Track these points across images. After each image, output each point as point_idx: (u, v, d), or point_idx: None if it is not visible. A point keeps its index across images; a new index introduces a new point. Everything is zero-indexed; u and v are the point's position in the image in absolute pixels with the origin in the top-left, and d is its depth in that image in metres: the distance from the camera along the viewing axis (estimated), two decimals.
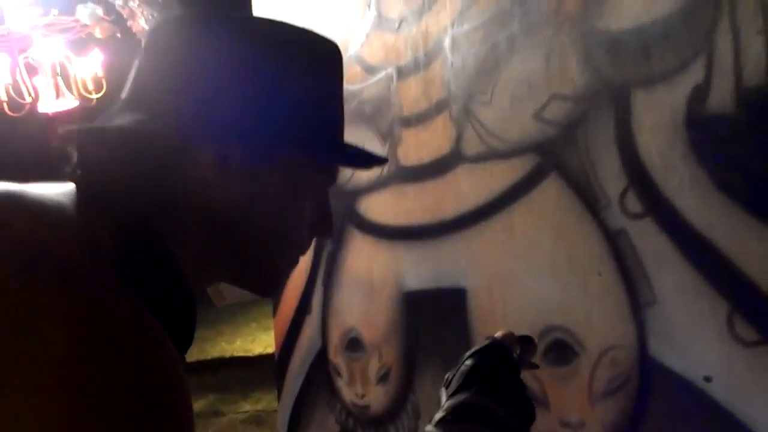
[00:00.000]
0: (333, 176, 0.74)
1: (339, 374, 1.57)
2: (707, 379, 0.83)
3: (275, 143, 0.66)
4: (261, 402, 4.80)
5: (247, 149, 0.64)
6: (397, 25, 1.34)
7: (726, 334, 0.80)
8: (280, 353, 1.79)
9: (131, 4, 2.45)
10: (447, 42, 1.22)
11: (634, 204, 0.90)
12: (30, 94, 3.07)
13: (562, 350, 0.99)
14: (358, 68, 1.45)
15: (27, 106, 3.06)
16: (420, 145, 1.29)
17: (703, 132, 0.82)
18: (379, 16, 1.39)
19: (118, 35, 2.93)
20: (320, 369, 1.63)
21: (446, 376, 0.77)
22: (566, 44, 0.99)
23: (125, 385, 0.51)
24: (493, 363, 0.76)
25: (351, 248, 1.47)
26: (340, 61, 0.73)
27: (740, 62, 0.79)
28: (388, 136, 1.37)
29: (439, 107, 1.24)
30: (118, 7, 2.51)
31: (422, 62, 1.29)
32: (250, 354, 5.52)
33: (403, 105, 1.34)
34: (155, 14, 2.46)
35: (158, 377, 0.54)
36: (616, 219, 0.92)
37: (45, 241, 0.57)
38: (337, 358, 1.58)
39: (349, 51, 1.48)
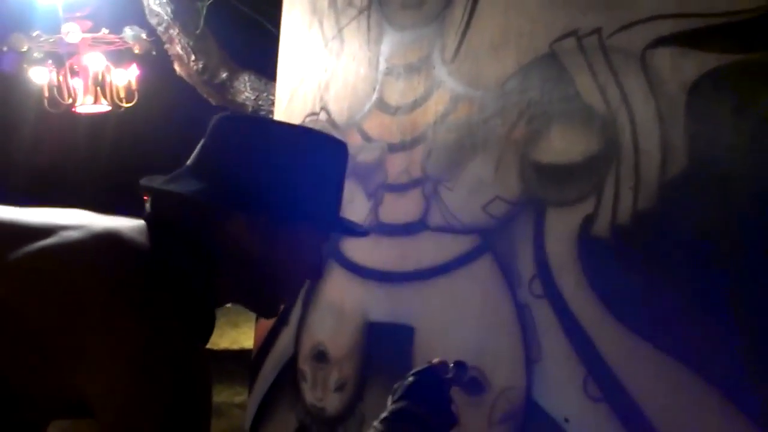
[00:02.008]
0: (327, 239, 1.08)
1: (304, 379, 1.90)
2: (566, 420, 1.17)
3: (290, 217, 1.01)
4: (221, 395, 5.07)
5: (269, 219, 0.99)
6: (393, 110, 1.69)
7: (582, 390, 1.15)
8: (257, 355, 2.11)
9: (171, 31, 2.79)
10: (429, 133, 1.57)
11: (537, 288, 1.24)
12: (70, 96, 3.41)
13: (476, 384, 1.33)
14: (358, 136, 1.79)
15: (64, 106, 3.39)
16: (397, 209, 1.63)
17: (587, 248, 1.17)
18: (381, 99, 1.74)
19: (153, 53, 3.27)
20: (289, 373, 1.95)
21: (394, 387, 1.11)
22: (510, 161, 1.34)
23: (169, 366, 0.85)
24: (427, 381, 1.10)
25: (331, 279, 1.80)
26: (346, 158, 1.09)
27: (617, 205, 1.14)
28: (373, 196, 1.72)
29: (416, 183, 1.59)
30: (159, 32, 2.85)
31: (408, 144, 1.63)
32: (216, 347, 5.78)
33: (389, 174, 1.68)
34: (191, 42, 2.81)
35: (191, 362, 0.89)
36: (525, 296, 1.27)
37: (131, 269, 0.91)
38: (304, 365, 1.90)
39: (355, 118, 1.83)
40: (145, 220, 0.98)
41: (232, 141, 1.00)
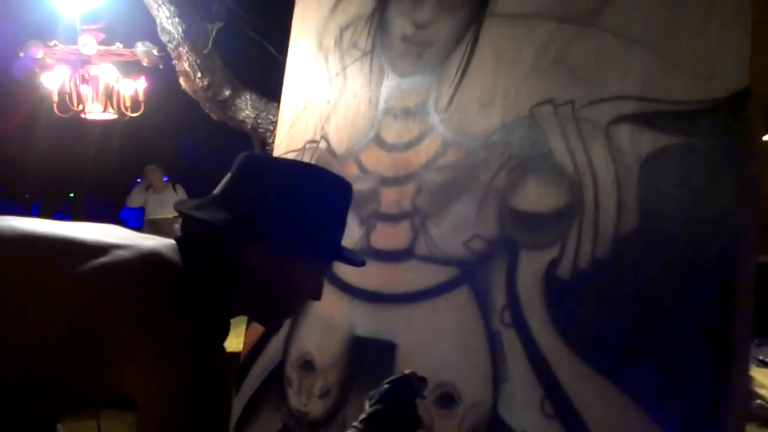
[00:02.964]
0: (329, 267, 1.26)
1: (290, 385, 2.07)
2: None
3: (299, 248, 1.19)
4: None
5: (282, 248, 1.16)
6: (389, 147, 1.88)
7: (539, 408, 1.34)
8: (246, 358, 2.28)
9: (180, 49, 2.97)
10: (421, 172, 1.77)
11: (507, 318, 1.44)
12: (80, 102, 3.58)
13: (449, 398, 1.53)
14: (355, 167, 1.98)
15: (73, 111, 3.56)
16: (387, 237, 1.82)
17: (552, 287, 1.37)
18: (378, 136, 1.93)
19: (161, 67, 3.44)
20: (276, 378, 2.12)
21: (370, 393, 1.29)
22: (491, 205, 1.54)
23: (202, 363, 1.02)
24: (400, 388, 1.28)
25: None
26: (350, 197, 1.27)
27: (579, 252, 1.34)
28: (366, 222, 1.90)
29: (406, 215, 1.78)
30: (168, 49, 3.01)
31: (401, 179, 1.82)
32: None
33: (382, 204, 1.87)
34: (199, 60, 2.98)
35: (220, 362, 1.06)
36: (496, 324, 1.46)
37: (170, 286, 1.08)
38: (291, 372, 2.07)
39: (353, 150, 2.01)
40: (177, 241, 1.16)
41: (254, 178, 1.18)
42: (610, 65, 1.35)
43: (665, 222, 1.22)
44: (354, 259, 1.28)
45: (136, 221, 7.64)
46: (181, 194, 5.94)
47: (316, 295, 1.26)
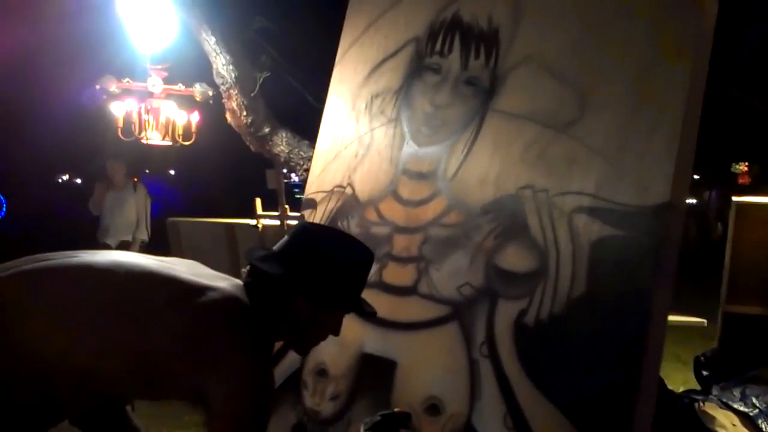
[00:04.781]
0: (348, 313, 1.70)
1: (306, 388, 2.50)
2: None
3: (333, 300, 1.62)
4: None
5: (321, 299, 1.60)
6: (404, 202, 2.32)
7: (502, 421, 1.77)
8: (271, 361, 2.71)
9: (231, 91, 3.44)
10: (428, 227, 2.21)
11: (485, 350, 1.88)
12: (142, 129, 4.11)
13: (435, 409, 1.96)
14: (374, 214, 2.42)
15: (134, 136, 4.09)
16: (396, 275, 2.26)
17: (519, 330, 1.80)
18: (395, 191, 2.37)
19: (210, 102, 3.93)
20: (294, 381, 2.55)
21: (365, 420, 1.72)
22: (479, 260, 1.97)
23: (257, 376, 1.46)
24: (388, 422, 1.70)
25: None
26: (371, 262, 1.71)
27: (541, 307, 1.77)
28: (380, 261, 2.34)
29: (413, 259, 2.22)
30: (221, 90, 3.50)
31: (411, 229, 2.26)
32: None
33: (394, 247, 2.31)
34: (245, 102, 3.46)
35: (267, 376, 1.51)
36: (476, 354, 1.90)
37: (244, 324, 1.52)
38: (307, 377, 2.51)
39: (374, 199, 2.45)
40: (245, 285, 1.59)
41: (304, 244, 1.62)
42: (575, 167, 1.79)
43: (604, 291, 1.66)
44: (368, 311, 1.72)
45: None
46: (141, 193, 5.56)
47: (337, 333, 1.70)
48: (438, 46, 2.35)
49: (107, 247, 5.11)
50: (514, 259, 1.88)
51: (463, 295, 2.00)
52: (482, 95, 2.16)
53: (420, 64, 2.41)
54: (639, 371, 1.55)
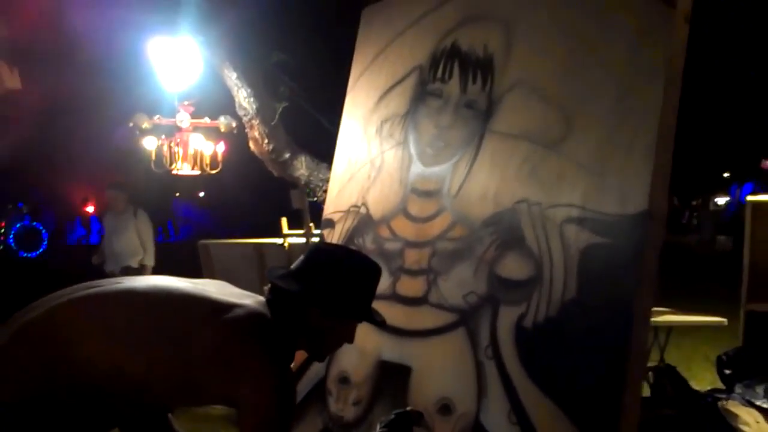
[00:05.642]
0: (359, 322, 1.88)
1: (330, 394, 2.68)
2: None
3: (345, 313, 1.80)
4: None
5: (335, 312, 1.78)
6: (414, 219, 2.50)
7: (507, 418, 1.94)
8: (296, 373, 2.90)
9: (253, 121, 3.69)
10: (435, 241, 2.38)
11: (489, 353, 2.04)
12: (172, 161, 4.41)
13: (447, 408, 2.13)
14: (387, 231, 2.60)
15: (165, 168, 4.38)
16: (408, 287, 2.43)
17: (519, 333, 1.97)
18: (405, 209, 2.55)
19: (234, 132, 4.21)
20: (320, 388, 2.73)
21: (381, 419, 1.89)
22: (483, 270, 2.14)
23: (280, 380, 1.65)
24: (402, 420, 1.87)
25: (358, 327, 2.59)
26: (379, 276, 1.89)
27: (538, 311, 1.94)
28: (393, 274, 2.52)
29: (423, 271, 2.39)
30: (243, 121, 3.75)
31: (421, 244, 2.44)
32: None
33: (406, 261, 2.49)
34: (267, 130, 3.70)
35: (290, 384, 1.69)
36: (482, 357, 2.06)
37: (268, 339, 1.71)
38: (331, 384, 2.69)
39: (386, 217, 2.64)
40: (267, 301, 1.78)
41: (319, 264, 1.80)
42: (564, 181, 1.96)
43: (593, 295, 1.82)
44: (378, 319, 1.90)
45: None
46: (142, 219, 5.53)
47: (351, 341, 1.88)
48: (439, 73, 2.54)
49: (111, 273, 5.06)
50: (513, 267, 2.05)
51: (468, 303, 2.17)
52: (480, 117, 2.34)
53: (424, 90, 2.60)
54: (625, 366, 1.71)
